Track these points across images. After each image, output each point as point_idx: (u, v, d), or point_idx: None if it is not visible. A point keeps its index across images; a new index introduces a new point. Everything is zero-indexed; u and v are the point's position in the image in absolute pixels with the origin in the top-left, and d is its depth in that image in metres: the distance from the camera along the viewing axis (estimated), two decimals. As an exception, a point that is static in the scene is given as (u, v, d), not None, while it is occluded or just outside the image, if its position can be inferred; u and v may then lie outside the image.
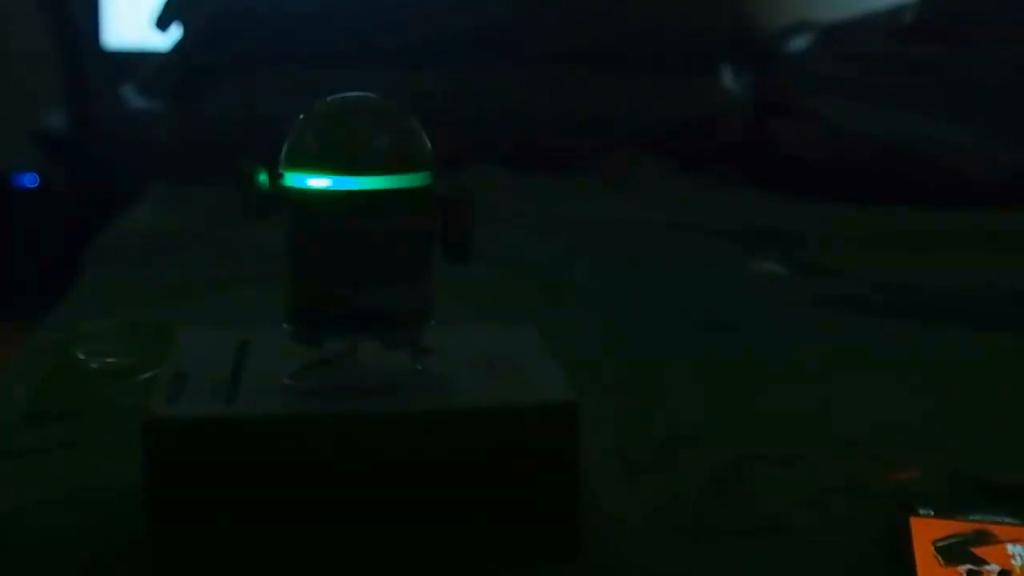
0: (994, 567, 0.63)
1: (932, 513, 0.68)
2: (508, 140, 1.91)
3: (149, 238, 1.48)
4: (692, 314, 1.14)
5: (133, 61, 3.18)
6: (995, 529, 0.67)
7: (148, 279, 1.26)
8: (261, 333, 0.73)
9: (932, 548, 0.65)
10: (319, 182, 0.64)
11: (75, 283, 1.35)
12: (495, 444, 0.63)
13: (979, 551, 0.65)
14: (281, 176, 0.65)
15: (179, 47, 2.03)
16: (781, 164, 2.01)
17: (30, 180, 3.15)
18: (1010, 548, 0.65)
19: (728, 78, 2.18)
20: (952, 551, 0.65)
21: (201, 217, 1.55)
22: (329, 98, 0.66)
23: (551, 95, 2.02)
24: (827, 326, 1.13)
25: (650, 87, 2.08)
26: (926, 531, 0.66)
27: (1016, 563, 0.63)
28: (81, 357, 0.88)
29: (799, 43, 2.28)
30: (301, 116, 0.66)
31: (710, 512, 0.71)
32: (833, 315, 1.16)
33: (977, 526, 0.67)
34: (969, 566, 0.63)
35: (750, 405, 0.89)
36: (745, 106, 2.15)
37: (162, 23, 2.09)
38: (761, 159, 2.05)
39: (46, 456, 0.74)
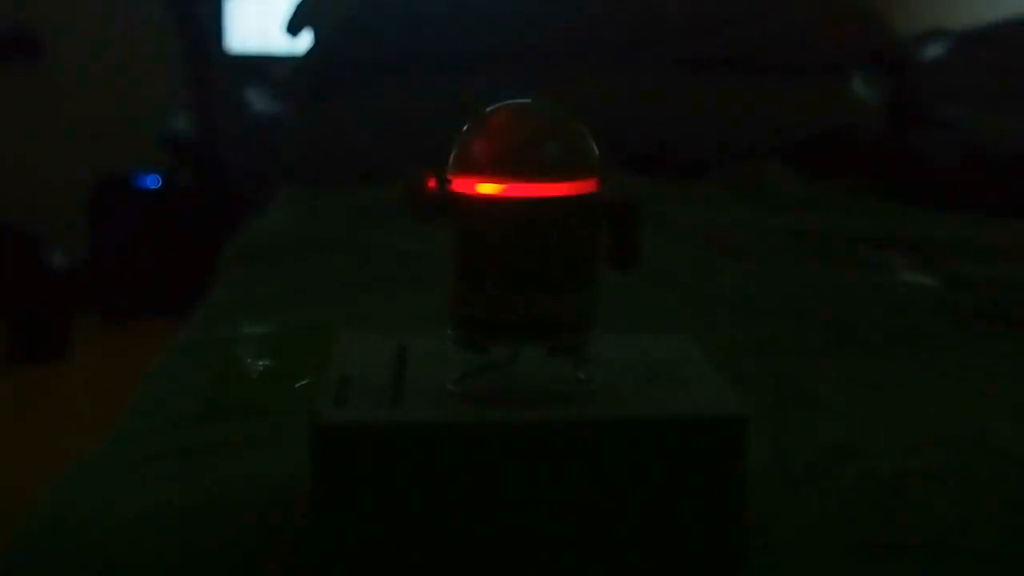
0: None
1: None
2: (638, 146, 1.90)
3: (286, 241, 1.49)
4: (840, 324, 1.12)
5: (256, 65, 3.24)
6: None
7: (288, 282, 1.27)
8: (417, 338, 0.73)
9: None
10: (489, 189, 0.64)
11: (214, 284, 1.36)
12: (661, 455, 0.62)
13: None
14: (449, 182, 0.65)
15: (312, 52, 2.04)
16: (915, 173, 1.98)
17: (152, 181, 3.22)
18: None
19: (860, 86, 2.14)
20: None
21: (337, 221, 1.56)
22: (497, 104, 0.66)
23: (680, 101, 2.01)
24: (980, 338, 1.10)
25: (781, 93, 2.06)
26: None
27: None
28: (247, 360, 0.89)
29: (933, 51, 2.23)
30: (468, 123, 0.66)
31: (873, 527, 0.69)
32: (985, 328, 1.13)
33: None
34: None
35: (907, 418, 0.87)
36: (878, 114, 2.12)
37: (293, 28, 2.11)
38: (894, 168, 2.02)
39: (216, 454, 0.75)
